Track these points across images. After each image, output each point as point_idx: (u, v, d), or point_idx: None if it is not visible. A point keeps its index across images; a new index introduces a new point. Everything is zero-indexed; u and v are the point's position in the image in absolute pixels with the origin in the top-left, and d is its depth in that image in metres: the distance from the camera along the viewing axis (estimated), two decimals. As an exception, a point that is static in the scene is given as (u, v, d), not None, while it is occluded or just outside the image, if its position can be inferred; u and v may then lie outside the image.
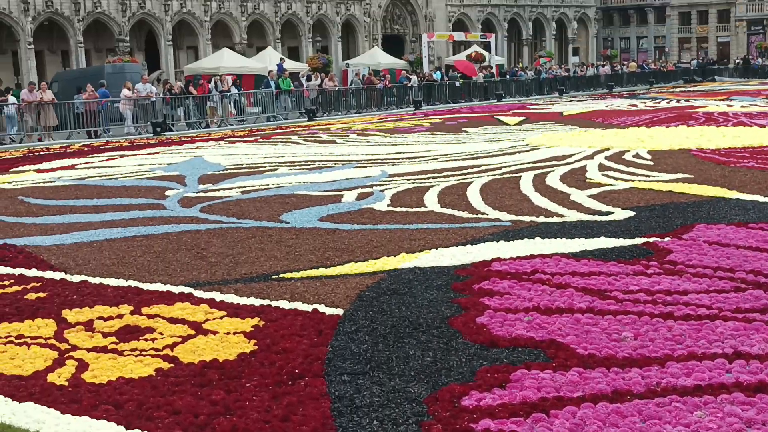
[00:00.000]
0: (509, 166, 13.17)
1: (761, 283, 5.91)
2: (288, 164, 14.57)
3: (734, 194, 9.83)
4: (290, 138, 20.19)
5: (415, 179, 12.04)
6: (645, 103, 30.59)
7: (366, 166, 13.81)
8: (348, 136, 20.40)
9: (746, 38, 62.80)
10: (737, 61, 58.18)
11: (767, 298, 5.54)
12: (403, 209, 9.64)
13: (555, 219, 8.76)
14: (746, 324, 5.01)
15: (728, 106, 26.68)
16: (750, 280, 6.01)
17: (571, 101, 34.32)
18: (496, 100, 35.94)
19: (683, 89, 42.20)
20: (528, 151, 15.31)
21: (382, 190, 11.02)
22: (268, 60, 33.82)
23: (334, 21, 43.96)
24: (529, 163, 13.55)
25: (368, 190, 11.16)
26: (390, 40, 47.71)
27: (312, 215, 9.42)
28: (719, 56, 62.12)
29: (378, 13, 46.08)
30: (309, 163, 14.63)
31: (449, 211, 9.43)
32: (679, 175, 11.54)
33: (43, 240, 8.57)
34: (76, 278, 6.90)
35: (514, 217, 8.91)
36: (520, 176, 12.00)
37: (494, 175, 12.31)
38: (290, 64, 34.84)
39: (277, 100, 28.06)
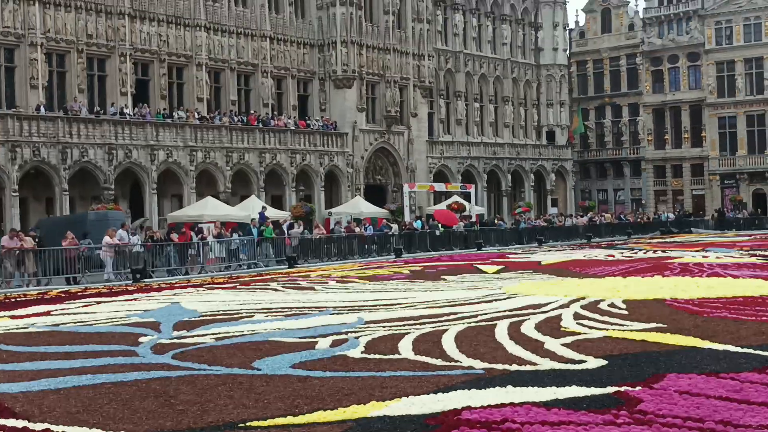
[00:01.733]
0: (486, 314, 13.22)
1: (730, 434, 5.88)
2: (265, 311, 14.56)
3: (707, 344, 9.89)
4: (269, 285, 20.24)
5: (391, 326, 12.04)
6: (622, 253, 31.00)
7: (343, 313, 13.82)
8: (327, 283, 20.48)
9: (720, 191, 64.35)
10: (713, 213, 59.44)
11: (736, 449, 5.51)
12: (377, 356, 9.61)
13: (528, 367, 8.75)
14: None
15: (703, 257, 27.09)
16: (719, 430, 5.99)
17: (549, 251, 34.76)
18: (476, 249, 36.36)
19: (660, 240, 42.91)
20: (505, 299, 15.40)
21: (357, 337, 11.00)
22: (251, 208, 34.28)
23: (318, 171, 44.88)
24: (505, 311, 13.61)
25: (343, 336, 11.13)
26: (372, 189, 48.61)
27: (284, 362, 9.36)
28: (695, 208, 63.46)
29: (361, 164, 47.16)
30: (286, 309, 14.63)
31: (423, 358, 9.41)
32: (653, 325, 11.61)
33: (10, 387, 8.44)
34: (39, 426, 6.77)
35: (487, 365, 8.89)
36: (496, 324, 12.03)
37: (470, 322, 12.34)
38: (273, 213, 35.30)
39: (259, 248, 28.28)
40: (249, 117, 42.77)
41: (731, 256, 26.96)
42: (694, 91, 64.83)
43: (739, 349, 9.45)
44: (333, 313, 13.82)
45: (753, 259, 25.20)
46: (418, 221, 40.20)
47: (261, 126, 42.63)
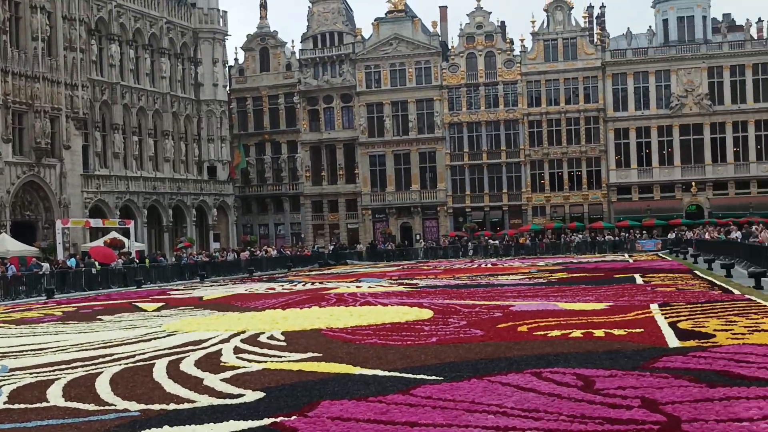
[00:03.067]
0: (144, 354, 12.87)
1: (376, 453, 6.25)
2: None
3: (358, 370, 10.43)
4: None
5: (38, 372, 11.29)
6: (282, 286, 31.77)
7: (-16, 362, 12.70)
8: (-33, 329, 18.72)
9: (372, 224, 68.44)
10: (366, 245, 63.02)
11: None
12: (23, 406, 8.96)
13: (186, 405, 8.64)
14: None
15: (357, 287, 28.58)
16: (367, 451, 6.34)
17: (212, 286, 34.68)
18: (135, 287, 35.29)
19: (318, 272, 44.60)
20: (165, 337, 15.11)
21: (0, 387, 10.17)
22: None
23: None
24: (164, 349, 13.35)
25: (-16, 387, 10.24)
26: (20, 226, 45.38)
27: None
28: (350, 241, 66.85)
29: (6, 199, 43.84)
30: None
31: (74, 404, 8.93)
32: (309, 354, 12.03)
33: None
34: None
35: (143, 406, 8.65)
36: (155, 363, 11.75)
37: (127, 363, 11.93)
38: None
39: None
40: None
41: (382, 285, 28.73)
42: (348, 130, 68.55)
43: (386, 373, 10.08)
44: (-27, 362, 12.66)
45: (401, 288, 27.06)
46: (72, 259, 38.18)
47: None
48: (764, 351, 10.26)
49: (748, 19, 65.77)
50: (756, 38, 64.11)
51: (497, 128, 66.29)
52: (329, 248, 61.16)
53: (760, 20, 65.01)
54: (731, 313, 14.85)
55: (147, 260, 41.22)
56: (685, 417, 6.99)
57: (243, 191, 69.97)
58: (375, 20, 68.73)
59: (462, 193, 67.11)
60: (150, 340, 14.73)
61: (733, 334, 12.06)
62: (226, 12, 64.49)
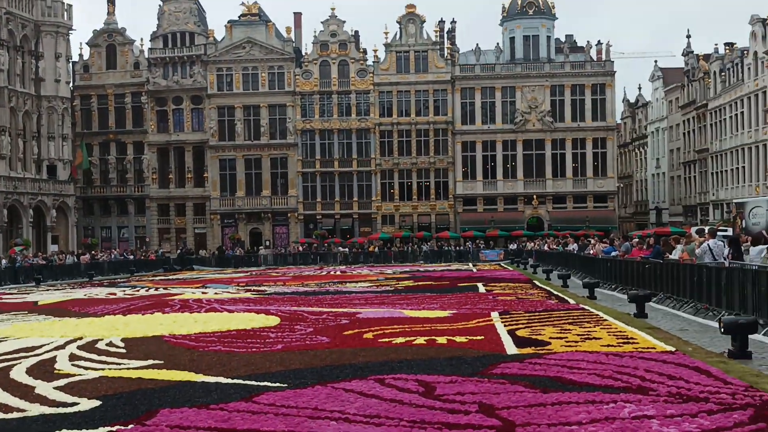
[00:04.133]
0: (-30, 361, 12.16)
1: (216, 462, 6.15)
2: None
3: (200, 377, 10.23)
4: None
5: None
6: (124, 291, 30.81)
7: None
8: None
9: (221, 230, 67.44)
10: (214, 251, 62.03)
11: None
12: None
13: (15, 414, 8.23)
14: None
15: (203, 293, 28.07)
16: (206, 459, 6.23)
17: (48, 290, 33.23)
18: (-36, 290, 33.36)
19: (163, 277, 43.50)
20: (-6, 343, 14.34)
21: None
22: None
23: None
24: (-7, 356, 12.67)
25: None
26: None
27: None
28: (197, 246, 65.61)
29: None
30: None
31: None
32: (150, 362, 11.70)
33: None
34: None
35: (-32, 417, 8.18)
36: (-18, 371, 11.13)
37: (-49, 371, 11.24)
38: None
39: None
40: None
41: (228, 292, 28.33)
42: (198, 132, 67.38)
43: (229, 381, 9.94)
44: None
45: (248, 294, 26.77)
46: None
47: None
48: (594, 358, 10.78)
49: (588, 41, 69.22)
50: (595, 59, 67.47)
51: (349, 137, 66.85)
52: (175, 253, 59.82)
53: (599, 42, 68.47)
54: (566, 321, 15.52)
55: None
56: (520, 421, 7.24)
57: (85, 192, 67.47)
58: (228, 22, 67.98)
59: (313, 200, 67.23)
60: (-22, 346, 13.93)
61: (567, 341, 12.60)
62: (71, 6, 62.12)
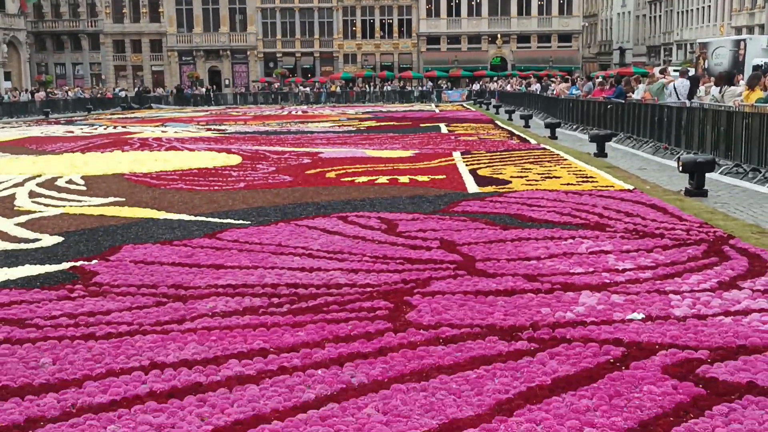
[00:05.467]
0: (-73, 198, 12.02)
1: (181, 296, 6.22)
2: None
3: (162, 214, 10.23)
4: None
5: None
6: (82, 129, 30.35)
7: None
8: None
9: (179, 67, 66.01)
10: (172, 89, 60.93)
11: (185, 309, 5.85)
12: None
13: (-23, 250, 8.20)
14: (164, 335, 5.22)
15: (162, 132, 27.76)
16: (171, 294, 6.29)
17: (4, 128, 32.62)
18: None
19: (121, 116, 42.83)
20: (-49, 180, 14.14)
21: None
22: None
23: None
24: (-49, 193, 12.52)
25: None
26: None
27: None
28: (155, 84, 64.36)
29: None
30: None
31: None
32: (111, 199, 11.66)
33: None
34: None
35: (-72, 252, 8.14)
36: (-60, 208, 11.02)
37: None
38: None
39: None
40: None
41: (189, 131, 28.04)
42: (152, -35, 64.75)
43: (192, 218, 9.95)
44: None
45: (209, 133, 26.52)
46: None
47: None
48: (554, 196, 10.93)
49: None
50: None
51: (310, -29, 64.71)
52: (133, 91, 58.69)
53: None
54: (527, 161, 15.64)
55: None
56: (480, 256, 7.38)
57: (36, 27, 65.17)
58: None
59: (273, 37, 65.70)
60: (-66, 183, 13.75)
61: (528, 180, 12.74)
62: None
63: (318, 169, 15.02)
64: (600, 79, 28.80)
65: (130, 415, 3.97)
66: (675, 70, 21.04)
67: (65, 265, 7.36)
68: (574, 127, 24.81)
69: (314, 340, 5.07)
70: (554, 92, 32.10)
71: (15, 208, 10.92)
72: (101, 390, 4.30)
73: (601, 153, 16.71)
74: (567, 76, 40.46)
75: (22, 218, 10.10)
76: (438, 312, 5.62)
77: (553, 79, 39.26)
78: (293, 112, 43.53)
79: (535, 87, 39.13)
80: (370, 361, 4.67)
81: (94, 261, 7.49)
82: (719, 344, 4.84)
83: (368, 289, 6.28)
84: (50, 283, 6.69)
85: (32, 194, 12.25)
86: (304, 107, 51.37)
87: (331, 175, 14.18)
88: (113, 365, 4.69)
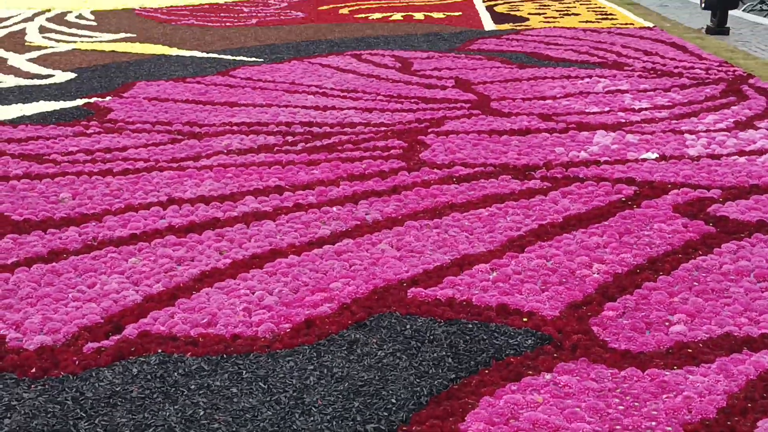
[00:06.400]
0: (-63, 33, 11.89)
1: (195, 133, 6.24)
2: None
3: (174, 51, 10.11)
4: None
5: None
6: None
7: None
8: None
9: None
10: None
11: (200, 146, 5.89)
12: None
13: (-10, 86, 8.19)
14: (180, 172, 5.28)
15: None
16: (186, 131, 6.31)
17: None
18: None
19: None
20: (-41, 15, 13.94)
21: None
22: None
23: None
24: (-40, 28, 12.38)
25: None
26: None
27: None
28: None
29: None
30: None
31: None
32: (122, 35, 11.51)
33: None
34: None
35: (-58, 88, 8.14)
36: (-50, 43, 10.93)
37: None
38: None
39: None
40: None
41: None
42: None
43: (204, 55, 9.84)
44: None
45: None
46: None
47: None
48: (572, 34, 10.71)
49: None
50: None
51: None
52: None
53: None
54: (545, -3, 15.23)
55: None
56: (495, 95, 7.33)
57: None
58: None
59: None
60: (-57, 18, 13.56)
61: (546, 18, 12.45)
62: None
63: (331, 5, 14.69)
64: None
65: (150, 249, 4.07)
66: None
67: (79, 102, 7.35)
68: (596, -39, 23.94)
69: (329, 178, 5.11)
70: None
71: (26, 44, 10.81)
72: (121, 224, 4.39)
73: (623, -11, 16.20)
74: None
75: (34, 54, 10.02)
76: (452, 151, 5.63)
77: None
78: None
79: None
80: (384, 199, 4.73)
81: (108, 97, 7.48)
82: (732, 184, 4.86)
83: (382, 129, 6.28)
84: (65, 119, 6.71)
85: (42, 29, 12.08)
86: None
87: (345, 11, 13.88)
88: (131, 200, 4.77)
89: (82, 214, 4.56)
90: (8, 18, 13.27)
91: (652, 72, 8.17)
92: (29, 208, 4.65)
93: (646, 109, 6.71)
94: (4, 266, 3.87)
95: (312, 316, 3.35)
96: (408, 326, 3.27)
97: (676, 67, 8.36)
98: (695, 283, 3.60)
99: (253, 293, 3.56)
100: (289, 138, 6.07)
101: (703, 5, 10.96)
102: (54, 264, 3.88)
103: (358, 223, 4.38)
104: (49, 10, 14.21)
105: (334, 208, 4.58)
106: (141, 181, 5.11)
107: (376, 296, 3.53)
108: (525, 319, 3.31)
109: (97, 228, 4.34)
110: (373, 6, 14.41)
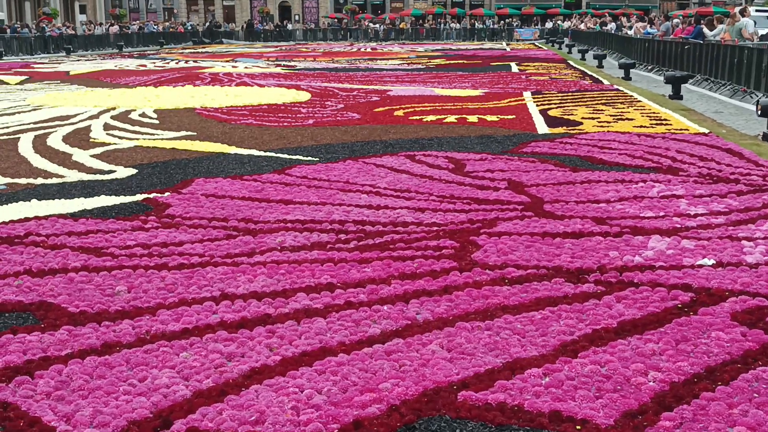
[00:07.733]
0: (7, 128, 12.37)
1: (251, 230, 6.33)
2: None
3: (233, 149, 10.36)
4: None
5: None
6: (154, 63, 30.70)
7: None
8: None
9: (249, 3, 66.03)
10: (243, 24, 61.05)
11: (255, 243, 5.96)
12: None
13: (55, 180, 8.45)
14: (234, 268, 5.34)
15: (233, 67, 27.92)
16: (241, 227, 6.41)
17: (79, 60, 33.19)
18: (-4, 59, 33.40)
19: (192, 50, 43.18)
20: (29, 111, 14.52)
21: None
22: None
23: None
24: (29, 123, 12.86)
25: None
26: None
27: None
28: (225, 19, 64.55)
29: None
30: None
31: (-66, 178, 8.59)
32: (183, 133, 11.84)
33: None
34: None
35: (9, 180, 8.42)
36: (19, 137, 11.34)
37: (-10, 138, 11.46)
38: None
39: None
40: None
41: (258, 66, 28.15)
42: None
43: (262, 153, 10.06)
44: None
45: (278, 69, 26.59)
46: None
47: None
48: (626, 138, 10.74)
49: None
50: None
51: None
52: (203, 26, 58.99)
53: None
54: (599, 102, 15.35)
55: (8, 31, 38.84)
56: (548, 198, 7.33)
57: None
58: None
59: (343, -28, 65.12)
60: (14, 114, 14.13)
61: (599, 122, 12.52)
62: None
63: (386, 107, 14.99)
64: (679, 19, 27.90)
65: (201, 344, 4.09)
66: (757, 10, 20.25)
67: (139, 197, 7.53)
68: (650, 68, 24.19)
69: (380, 276, 5.12)
70: (630, 32, 31.24)
71: (90, 140, 11.18)
72: (174, 318, 4.43)
73: (677, 95, 16.29)
74: (643, 15, 39.27)
75: (98, 150, 10.34)
76: (504, 252, 5.61)
77: (629, 19, 38.17)
78: (362, 49, 43.30)
79: (611, 26, 38.10)
80: (435, 299, 4.71)
81: (167, 193, 7.65)
82: (792, 293, 4.75)
83: (434, 228, 6.31)
84: (125, 214, 6.87)
85: (107, 127, 12.50)
86: (374, 44, 51.03)
87: (400, 113, 14.14)
88: (185, 295, 4.82)
89: (137, 307, 4.61)
90: (75, 115, 13.76)
91: (707, 178, 8.12)
92: (85, 300, 4.73)
93: (702, 214, 6.64)
94: (58, 358, 3.92)
95: (360, 416, 3.31)
96: (458, 431, 3.20)
97: (732, 173, 8.30)
98: (755, 395, 3.49)
99: (302, 391, 3.54)
100: (342, 236, 6.12)
101: (759, 112, 10.93)
102: (107, 357, 3.91)
103: (409, 322, 4.36)
104: (114, 108, 14.71)
105: (385, 307, 4.57)
106: (195, 276, 5.17)
107: (425, 398, 3.48)
108: (578, 427, 3.22)
109: (150, 321, 4.39)
110: (428, 109, 14.66)
